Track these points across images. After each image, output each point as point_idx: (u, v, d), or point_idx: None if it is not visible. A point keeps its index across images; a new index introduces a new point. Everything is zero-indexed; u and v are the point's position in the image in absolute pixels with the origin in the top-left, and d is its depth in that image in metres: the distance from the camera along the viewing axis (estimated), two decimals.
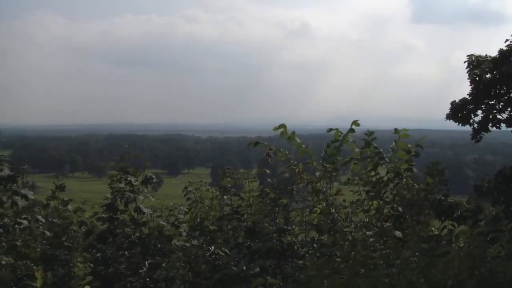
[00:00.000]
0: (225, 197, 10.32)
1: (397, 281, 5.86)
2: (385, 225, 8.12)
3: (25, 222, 9.11)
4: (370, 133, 8.67)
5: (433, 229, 7.54)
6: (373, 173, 8.67)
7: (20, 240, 9.19)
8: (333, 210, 8.89)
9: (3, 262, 8.42)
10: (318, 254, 7.20)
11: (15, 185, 9.01)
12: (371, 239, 7.27)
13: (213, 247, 8.27)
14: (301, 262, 8.52)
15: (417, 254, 6.27)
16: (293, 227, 9.65)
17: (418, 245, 6.29)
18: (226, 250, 8.28)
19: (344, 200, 9.39)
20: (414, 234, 6.67)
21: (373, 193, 8.62)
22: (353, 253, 6.56)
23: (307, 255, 8.82)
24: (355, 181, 8.95)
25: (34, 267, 8.77)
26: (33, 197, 9.22)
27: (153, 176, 9.48)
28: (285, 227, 9.33)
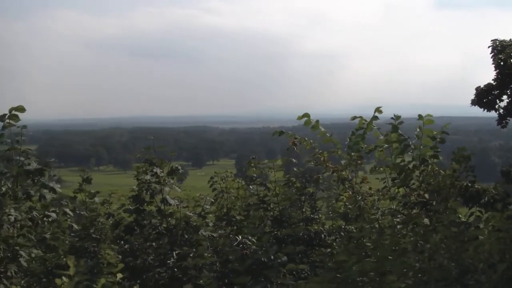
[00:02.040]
0: (251, 186, 10.33)
1: (427, 265, 5.82)
2: (412, 212, 8.07)
3: (53, 215, 9.19)
4: (397, 117, 8.60)
5: (460, 215, 7.48)
6: (399, 159, 8.63)
7: (49, 233, 9.27)
8: (360, 198, 8.87)
9: (33, 255, 8.51)
10: (347, 241, 7.17)
11: (42, 178, 9.09)
12: (398, 226, 7.23)
13: (240, 237, 8.27)
14: (328, 250, 8.53)
15: (446, 238, 6.22)
16: (319, 215, 9.64)
17: (448, 230, 6.23)
18: (253, 239, 8.27)
19: (370, 188, 9.37)
20: (444, 218, 6.62)
21: (398, 180, 8.59)
22: (383, 239, 6.52)
23: (334, 243, 8.81)
24: (381, 169, 8.91)
25: (64, 258, 8.90)
26: (60, 190, 9.30)
27: (179, 167, 9.50)
28: (311, 216, 9.32)
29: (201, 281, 6.27)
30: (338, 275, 5.75)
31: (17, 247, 8.15)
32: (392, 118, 8.62)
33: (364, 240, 6.50)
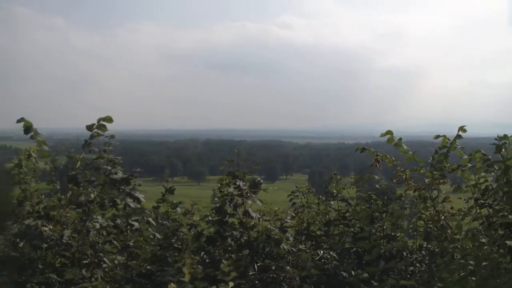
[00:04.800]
0: (331, 202, 10.35)
1: None
2: (495, 234, 7.97)
3: (136, 224, 9.40)
4: (500, 138, 8.52)
5: None
6: (482, 179, 8.56)
7: (132, 241, 9.49)
8: (442, 217, 8.81)
9: (116, 262, 8.71)
10: (448, 259, 7.11)
11: (127, 187, 9.30)
12: (485, 247, 7.15)
13: (321, 252, 8.30)
14: (411, 268, 8.48)
15: None
16: (399, 233, 9.58)
17: None
18: (335, 255, 8.29)
19: (451, 208, 9.28)
20: None
21: (482, 200, 8.51)
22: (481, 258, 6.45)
23: (415, 262, 8.75)
24: (465, 189, 8.84)
25: (146, 265, 9.10)
26: (144, 200, 9.50)
27: (261, 181, 9.58)
28: (392, 233, 9.27)
29: None
30: None
31: (102, 254, 8.36)
32: (495, 138, 8.53)
33: (467, 258, 6.43)
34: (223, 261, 5.20)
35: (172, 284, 4.77)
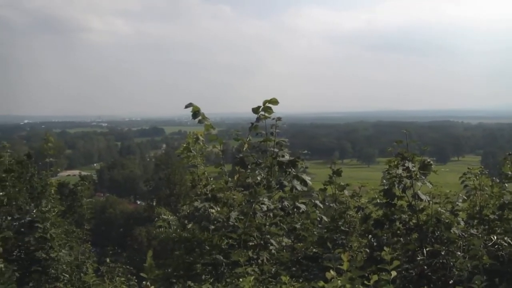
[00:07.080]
0: (506, 185, 9.85)
1: None
2: None
3: (303, 206, 9.36)
4: None
5: None
6: None
7: (299, 223, 9.47)
8: None
9: (283, 243, 8.73)
10: None
11: (294, 170, 9.29)
12: None
13: (495, 237, 7.88)
14: None
15: None
16: None
17: None
18: (510, 241, 7.85)
19: None
20: None
21: None
22: None
23: None
24: None
25: (313, 248, 9.06)
26: (311, 183, 9.45)
27: (431, 162, 9.22)
28: None
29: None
30: None
31: (268, 236, 8.39)
32: None
33: None
34: (385, 248, 4.96)
35: (331, 271, 4.63)
